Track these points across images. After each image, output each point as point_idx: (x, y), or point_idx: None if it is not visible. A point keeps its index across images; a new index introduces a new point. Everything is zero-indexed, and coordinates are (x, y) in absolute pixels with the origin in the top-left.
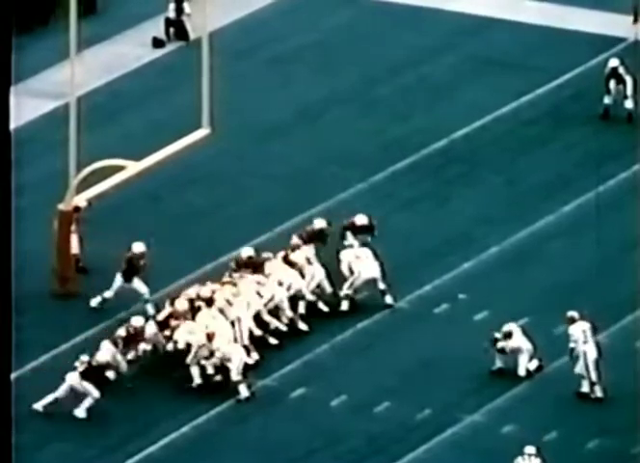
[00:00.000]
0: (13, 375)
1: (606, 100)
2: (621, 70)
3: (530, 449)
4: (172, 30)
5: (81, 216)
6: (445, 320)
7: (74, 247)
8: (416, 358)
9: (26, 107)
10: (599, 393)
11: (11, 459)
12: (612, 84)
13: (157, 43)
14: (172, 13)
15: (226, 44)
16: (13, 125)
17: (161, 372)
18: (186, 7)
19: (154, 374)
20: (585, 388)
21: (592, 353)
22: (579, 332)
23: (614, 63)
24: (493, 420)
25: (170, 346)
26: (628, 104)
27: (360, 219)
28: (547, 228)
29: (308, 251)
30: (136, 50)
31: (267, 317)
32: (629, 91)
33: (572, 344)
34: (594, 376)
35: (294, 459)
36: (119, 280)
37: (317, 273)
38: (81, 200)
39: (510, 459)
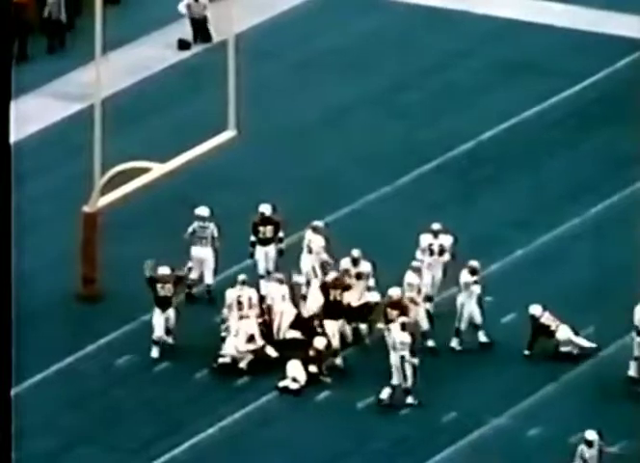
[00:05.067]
0: (38, 377)
1: None
2: None
3: (592, 435)
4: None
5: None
6: (472, 322)
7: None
8: (442, 359)
9: (51, 109)
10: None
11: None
12: None
13: (183, 45)
14: (196, 15)
15: (252, 46)
16: (37, 127)
17: (185, 374)
18: (206, 8)
19: (178, 376)
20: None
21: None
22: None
23: None
24: (518, 422)
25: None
26: None
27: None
28: (573, 230)
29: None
30: (161, 52)
31: None
32: None
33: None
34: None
35: (319, 461)
36: None
37: None
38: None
39: (535, 461)
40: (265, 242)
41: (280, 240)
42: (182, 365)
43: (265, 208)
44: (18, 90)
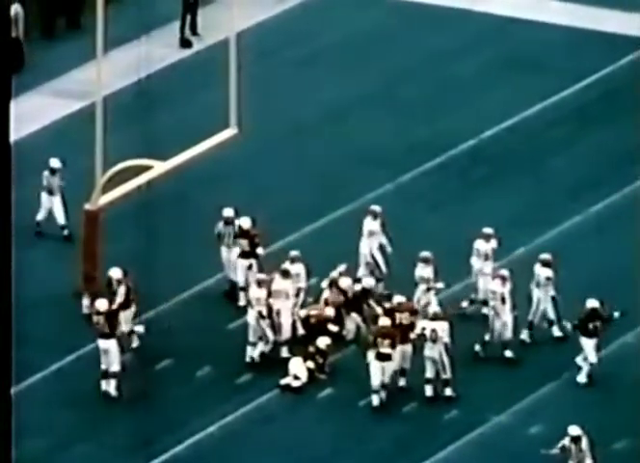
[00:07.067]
0: (36, 375)
1: None
2: None
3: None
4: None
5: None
6: (474, 320)
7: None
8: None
9: (52, 107)
10: None
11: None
12: None
13: (184, 43)
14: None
15: (253, 45)
16: (38, 126)
17: (185, 372)
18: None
19: (178, 375)
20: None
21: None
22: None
23: None
24: (519, 420)
25: None
26: None
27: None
28: (575, 228)
29: None
30: (163, 50)
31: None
32: None
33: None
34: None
35: (320, 459)
36: None
37: None
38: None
39: (536, 460)
40: (243, 255)
41: (257, 257)
42: (183, 362)
43: (243, 221)
44: (19, 88)
